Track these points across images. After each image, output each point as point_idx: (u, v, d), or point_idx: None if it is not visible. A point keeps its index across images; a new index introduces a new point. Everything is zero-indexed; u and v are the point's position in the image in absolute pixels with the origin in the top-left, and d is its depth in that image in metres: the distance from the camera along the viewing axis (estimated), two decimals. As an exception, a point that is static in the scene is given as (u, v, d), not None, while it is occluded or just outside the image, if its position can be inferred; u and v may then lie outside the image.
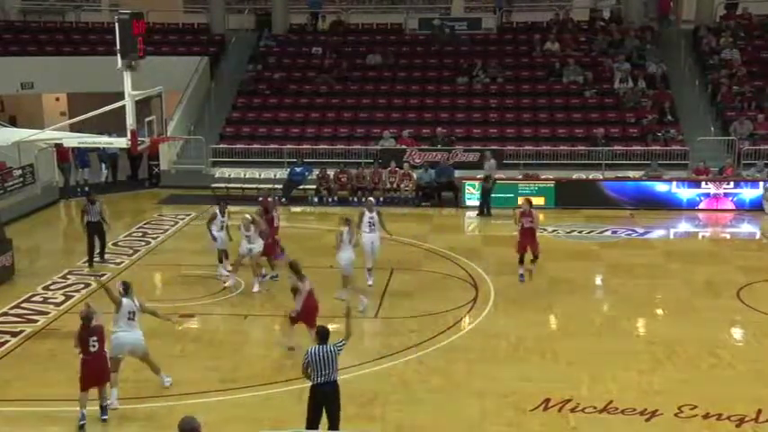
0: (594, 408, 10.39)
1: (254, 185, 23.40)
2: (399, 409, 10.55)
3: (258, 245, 15.11)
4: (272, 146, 24.64)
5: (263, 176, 23.67)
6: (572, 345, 12.55)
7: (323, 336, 9.20)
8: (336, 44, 28.85)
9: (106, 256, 17.20)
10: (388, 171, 23.00)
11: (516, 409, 10.40)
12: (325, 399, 9.08)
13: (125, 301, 10.81)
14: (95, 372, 10.03)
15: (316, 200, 22.70)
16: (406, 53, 28.58)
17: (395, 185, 22.87)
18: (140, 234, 19.30)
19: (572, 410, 10.34)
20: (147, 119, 13.86)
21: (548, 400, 10.54)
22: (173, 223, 20.34)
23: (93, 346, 10.01)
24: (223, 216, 15.72)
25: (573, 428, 9.95)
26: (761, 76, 25.74)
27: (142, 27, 13.10)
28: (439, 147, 23.93)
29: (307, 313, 12.07)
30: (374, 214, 15.15)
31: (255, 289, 14.99)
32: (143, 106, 13.71)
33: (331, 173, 23.08)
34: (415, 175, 23.01)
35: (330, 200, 22.68)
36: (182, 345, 12.75)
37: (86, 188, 23.71)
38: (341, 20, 30.57)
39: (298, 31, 30.29)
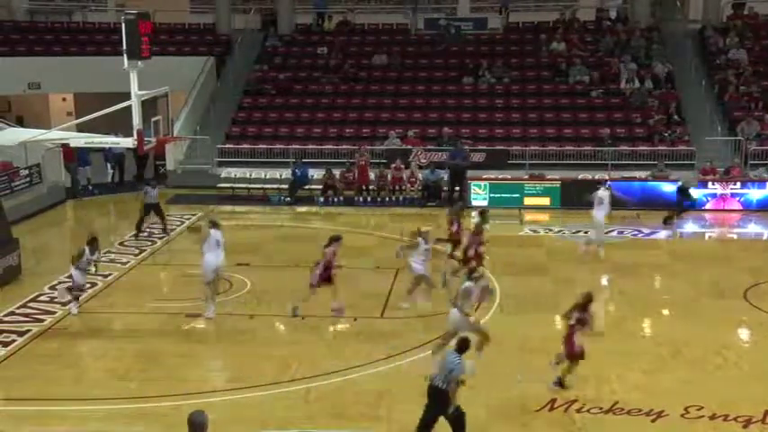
0: (600, 408, 10.37)
1: (259, 185, 23.50)
2: (405, 409, 10.53)
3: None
4: (277, 146, 24.66)
5: (268, 176, 23.71)
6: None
7: (459, 346, 9.35)
8: (342, 44, 28.87)
9: (113, 256, 17.33)
10: (393, 168, 22.97)
11: (522, 410, 10.40)
12: (427, 397, 9.24)
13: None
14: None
15: (321, 200, 22.71)
16: (411, 53, 28.58)
17: (397, 185, 22.77)
18: (146, 234, 19.33)
19: (578, 411, 10.33)
20: (153, 119, 13.88)
21: (553, 401, 10.53)
22: (179, 223, 20.37)
23: None
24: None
25: (578, 429, 9.93)
26: (767, 76, 25.64)
27: (148, 27, 13.11)
28: (444, 147, 23.91)
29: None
30: (606, 192, 16.71)
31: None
32: (149, 106, 13.73)
33: (337, 172, 23.10)
34: (420, 175, 23.00)
35: (336, 200, 22.69)
36: (188, 344, 12.77)
37: (90, 187, 23.83)
38: (347, 20, 30.58)
39: (303, 32, 30.31)
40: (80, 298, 14.09)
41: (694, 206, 20.39)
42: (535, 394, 10.72)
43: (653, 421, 10.05)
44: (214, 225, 13.85)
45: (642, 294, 14.94)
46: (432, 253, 14.13)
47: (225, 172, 24.14)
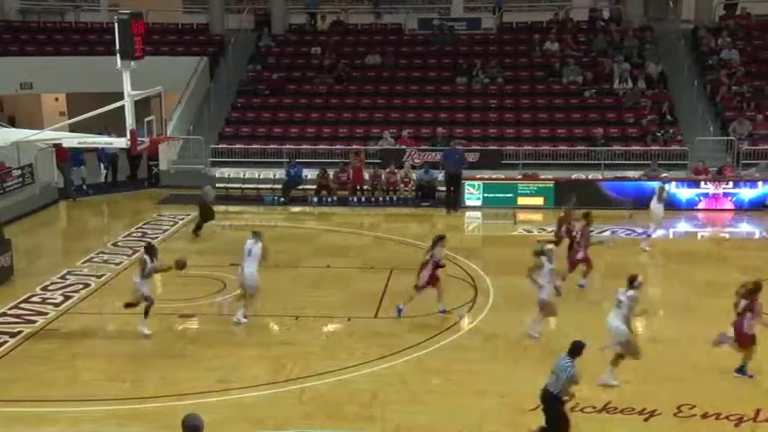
0: (594, 407, 10.39)
1: (253, 185, 23.48)
2: (398, 409, 10.56)
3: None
4: (271, 146, 24.63)
5: (262, 176, 23.69)
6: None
7: (572, 348, 9.32)
8: (336, 44, 28.87)
9: (106, 257, 17.32)
10: (387, 171, 23.02)
11: (515, 409, 10.41)
12: (541, 401, 9.32)
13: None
14: None
15: (315, 200, 22.71)
16: (405, 53, 28.60)
17: (391, 187, 22.79)
18: (140, 234, 19.30)
19: (571, 410, 10.31)
20: (146, 119, 13.87)
21: (547, 401, 10.52)
22: (172, 223, 20.33)
23: None
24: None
25: (572, 427, 9.92)
26: (760, 76, 25.71)
27: (141, 27, 13.08)
28: (439, 147, 23.93)
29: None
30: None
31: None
32: (142, 106, 13.72)
33: (331, 173, 23.11)
34: (414, 176, 23.03)
35: (329, 200, 22.69)
36: (181, 344, 12.75)
37: (84, 187, 23.76)
38: (340, 20, 30.59)
39: (297, 31, 30.30)
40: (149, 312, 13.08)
41: None
42: (531, 393, 10.69)
43: (646, 420, 10.07)
44: (253, 235, 13.69)
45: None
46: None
47: (218, 172, 24.10)
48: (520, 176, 22.64)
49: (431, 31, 28.92)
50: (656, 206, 18.24)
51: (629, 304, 11.10)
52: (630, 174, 22.74)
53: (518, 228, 20.25)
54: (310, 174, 23.18)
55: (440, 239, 13.67)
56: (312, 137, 25.49)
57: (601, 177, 22.63)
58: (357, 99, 26.87)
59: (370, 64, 28.00)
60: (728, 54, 26.32)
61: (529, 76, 27.18)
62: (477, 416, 10.34)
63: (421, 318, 13.69)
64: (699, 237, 20.39)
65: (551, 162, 23.56)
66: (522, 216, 21.26)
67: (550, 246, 13.19)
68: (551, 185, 21.95)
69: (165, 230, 19.71)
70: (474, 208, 21.94)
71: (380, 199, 22.67)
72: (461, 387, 11.15)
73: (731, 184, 21.57)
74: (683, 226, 20.76)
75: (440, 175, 22.61)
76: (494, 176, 22.65)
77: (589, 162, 23.47)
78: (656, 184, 18.73)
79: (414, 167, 23.39)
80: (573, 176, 22.73)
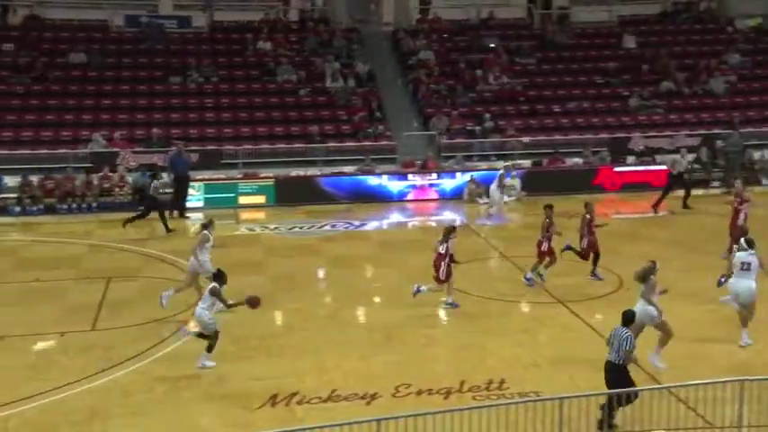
0: (320, 398, 10.72)
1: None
2: (122, 423, 10.09)
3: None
4: (-40, 153, 22.13)
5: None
6: (297, 339, 12.85)
7: (624, 318, 9.74)
8: (32, 41, 26.62)
9: None
10: (101, 176, 21.81)
11: (244, 409, 10.42)
12: (604, 372, 9.65)
13: None
14: None
15: (17, 209, 20.85)
16: (112, 51, 27.19)
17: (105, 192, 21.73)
18: None
19: (298, 403, 10.60)
20: None
21: (275, 396, 10.69)
22: None
23: None
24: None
25: (300, 420, 10.16)
26: (452, 75, 28.16)
27: None
28: (155, 148, 23.13)
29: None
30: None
31: None
32: None
33: (35, 179, 21.37)
34: (130, 179, 22.06)
35: (35, 208, 20.98)
36: None
37: None
38: (35, 15, 28.19)
39: (-16, 26, 27.49)
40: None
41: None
42: (257, 392, 10.81)
43: (368, 404, 10.58)
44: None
45: (355, 284, 15.68)
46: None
47: None
48: (240, 176, 22.66)
49: (139, 29, 27.80)
50: (494, 190, 20.66)
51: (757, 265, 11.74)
52: (347, 169, 23.79)
53: (241, 227, 20.27)
54: (11, 181, 21.26)
55: (452, 231, 14.10)
56: (10, 141, 23.32)
57: (319, 173, 23.40)
58: (61, 100, 25.07)
59: (74, 62, 26.23)
60: (426, 55, 28.46)
61: (244, 75, 27.25)
62: (206, 421, 10.22)
63: (145, 326, 13.18)
64: (410, 226, 21.90)
65: (271, 160, 23.87)
66: (244, 215, 21.33)
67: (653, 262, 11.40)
68: (272, 183, 22.27)
69: None
70: (196, 209, 21.55)
71: (93, 205, 21.43)
72: (189, 393, 10.92)
73: (435, 175, 23.46)
74: (395, 216, 22.18)
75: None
76: (214, 177, 22.44)
77: (307, 159, 24.16)
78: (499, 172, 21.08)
79: (129, 170, 22.40)
80: (293, 173, 23.26)
